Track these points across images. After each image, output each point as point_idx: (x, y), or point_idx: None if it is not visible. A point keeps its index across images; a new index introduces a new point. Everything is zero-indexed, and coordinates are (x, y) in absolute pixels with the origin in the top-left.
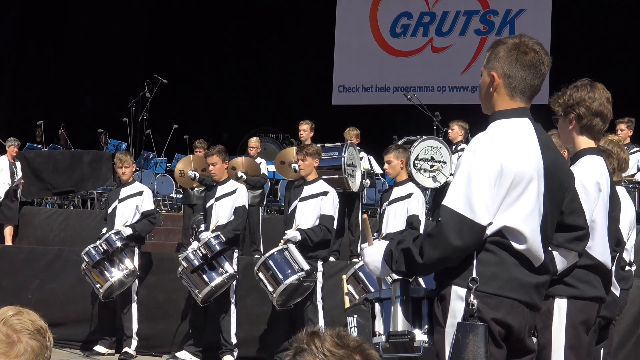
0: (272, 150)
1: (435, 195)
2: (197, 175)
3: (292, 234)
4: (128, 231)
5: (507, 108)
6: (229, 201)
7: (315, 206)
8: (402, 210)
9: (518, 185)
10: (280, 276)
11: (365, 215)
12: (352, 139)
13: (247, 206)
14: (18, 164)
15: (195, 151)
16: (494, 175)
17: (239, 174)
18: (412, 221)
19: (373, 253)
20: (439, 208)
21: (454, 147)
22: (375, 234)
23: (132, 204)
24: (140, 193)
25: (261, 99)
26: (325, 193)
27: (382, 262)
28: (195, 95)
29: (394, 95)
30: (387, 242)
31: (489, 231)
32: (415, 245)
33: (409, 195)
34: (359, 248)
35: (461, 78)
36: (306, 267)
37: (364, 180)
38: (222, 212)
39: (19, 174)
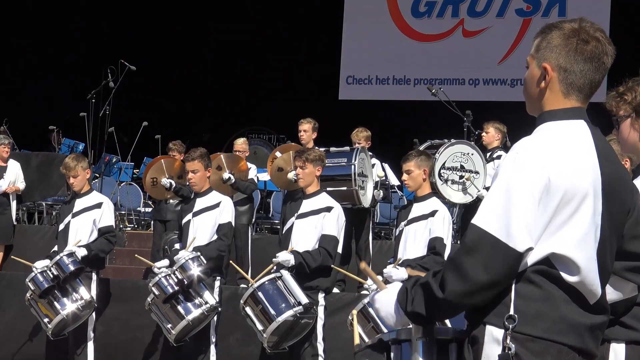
0: (263, 155)
1: (465, 213)
2: (173, 184)
3: (284, 256)
4: (82, 252)
5: (559, 108)
6: (211, 217)
7: (316, 224)
8: (424, 231)
9: (569, 203)
10: (273, 311)
11: (363, 264)
12: (361, 142)
13: (233, 223)
14: (11, 165)
15: (170, 155)
16: (539, 191)
17: (226, 175)
18: (434, 245)
19: (385, 297)
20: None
21: (488, 154)
22: (390, 260)
23: (89, 218)
24: (98, 205)
25: (250, 91)
26: (328, 209)
27: (395, 304)
28: (171, 86)
29: (415, 89)
30: (398, 285)
31: (531, 259)
32: (436, 279)
33: (432, 213)
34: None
35: (499, 69)
36: (304, 300)
37: (376, 192)
38: (202, 229)
39: (7, 178)
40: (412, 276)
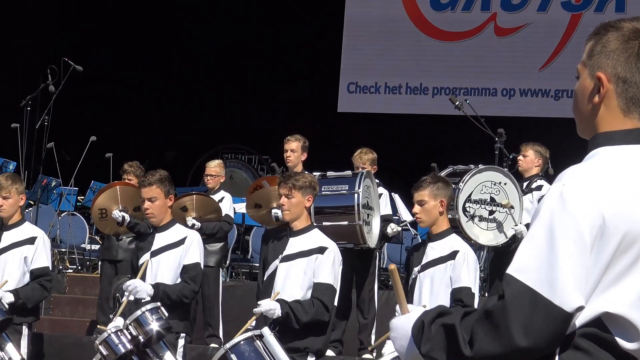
0: (241, 180)
1: (495, 259)
2: (127, 217)
3: (267, 305)
4: (8, 298)
5: (618, 129)
6: (174, 256)
7: (307, 269)
8: (442, 278)
9: (630, 249)
10: None
11: (393, 266)
12: (365, 166)
13: (202, 265)
14: None
15: (125, 179)
16: (592, 234)
17: (190, 221)
18: (460, 297)
19: (403, 325)
20: (500, 279)
21: (526, 183)
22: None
23: (18, 256)
24: (31, 240)
25: (226, 101)
26: (321, 249)
27: (409, 338)
28: (126, 92)
29: (435, 100)
30: (422, 309)
31: (579, 320)
32: (464, 327)
33: (452, 255)
34: (372, 337)
35: (540, 77)
36: None
37: (392, 229)
38: (162, 272)
39: None
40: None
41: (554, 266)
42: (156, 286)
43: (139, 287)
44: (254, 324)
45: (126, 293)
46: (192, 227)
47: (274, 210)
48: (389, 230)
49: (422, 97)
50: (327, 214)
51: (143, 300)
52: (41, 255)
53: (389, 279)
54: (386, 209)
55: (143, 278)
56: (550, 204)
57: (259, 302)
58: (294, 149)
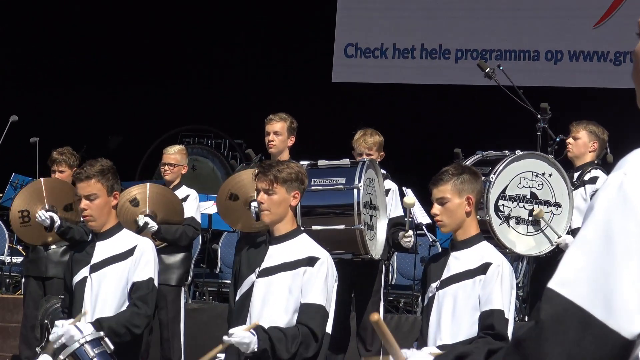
0: (208, 172)
1: (538, 273)
2: (55, 217)
3: (241, 337)
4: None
5: None
6: (120, 272)
7: (292, 286)
8: (469, 298)
9: None
10: None
11: (377, 316)
12: (372, 153)
13: (156, 283)
14: None
15: (54, 170)
16: None
17: (141, 219)
18: (491, 322)
19: None
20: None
21: (577, 174)
22: (414, 344)
23: None
24: None
25: (187, 71)
26: (310, 261)
27: None
28: (57, 61)
29: (458, 66)
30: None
31: None
32: None
33: (483, 269)
34: None
35: (595, 36)
36: None
37: (403, 237)
38: (105, 293)
39: None
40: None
41: (610, 278)
42: (97, 324)
43: (76, 337)
44: (222, 356)
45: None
46: (145, 228)
47: (254, 204)
48: (403, 240)
49: (442, 63)
50: (319, 215)
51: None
52: None
53: (400, 299)
54: (396, 209)
55: (80, 299)
56: (607, 199)
57: (230, 331)
58: (279, 132)
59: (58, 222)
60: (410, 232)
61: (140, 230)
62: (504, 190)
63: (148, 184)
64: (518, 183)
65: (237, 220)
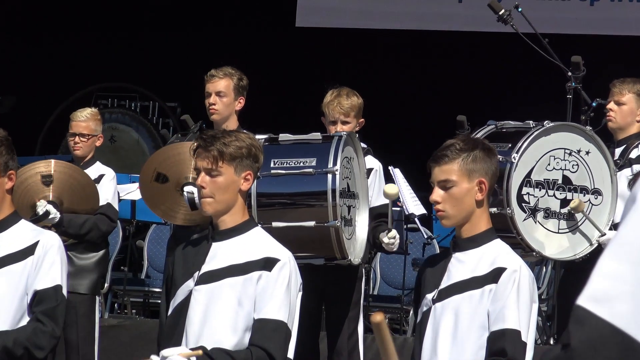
0: (132, 145)
1: (568, 281)
2: None
3: None
4: None
5: None
6: (17, 277)
7: (242, 296)
8: (475, 312)
9: None
10: None
11: (379, 317)
12: (346, 120)
13: (65, 291)
14: None
15: None
16: None
17: (42, 205)
18: (502, 345)
19: None
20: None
21: (620, 149)
22: None
23: None
24: None
25: (104, 14)
26: (268, 263)
27: None
28: None
29: (462, 5)
30: None
31: None
32: None
33: (494, 276)
34: None
35: None
36: None
37: (389, 239)
38: None
39: None
40: None
41: None
42: None
43: None
44: None
45: None
46: (45, 217)
47: (187, 189)
48: (384, 239)
49: (442, 2)
50: (280, 207)
51: None
52: None
53: (385, 314)
54: (379, 196)
55: None
56: None
57: (163, 352)
58: (223, 92)
59: None
60: (395, 233)
61: (38, 220)
62: (529, 174)
63: (53, 160)
64: (547, 164)
65: (168, 209)
